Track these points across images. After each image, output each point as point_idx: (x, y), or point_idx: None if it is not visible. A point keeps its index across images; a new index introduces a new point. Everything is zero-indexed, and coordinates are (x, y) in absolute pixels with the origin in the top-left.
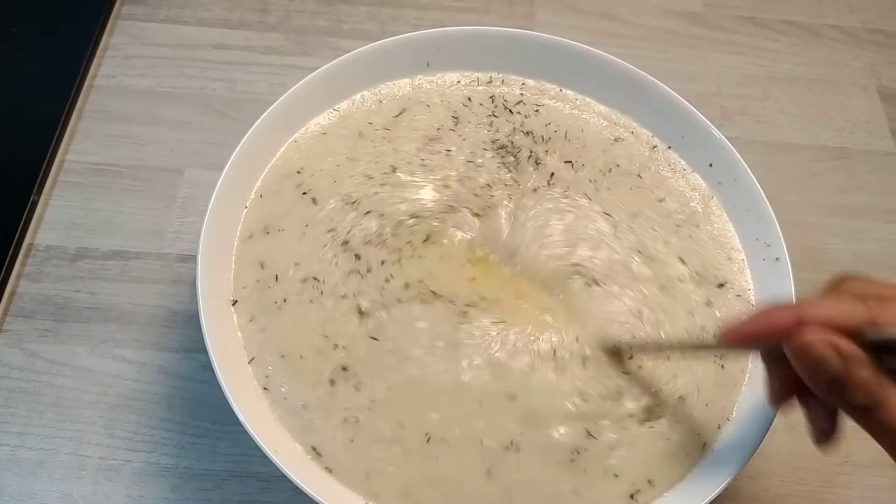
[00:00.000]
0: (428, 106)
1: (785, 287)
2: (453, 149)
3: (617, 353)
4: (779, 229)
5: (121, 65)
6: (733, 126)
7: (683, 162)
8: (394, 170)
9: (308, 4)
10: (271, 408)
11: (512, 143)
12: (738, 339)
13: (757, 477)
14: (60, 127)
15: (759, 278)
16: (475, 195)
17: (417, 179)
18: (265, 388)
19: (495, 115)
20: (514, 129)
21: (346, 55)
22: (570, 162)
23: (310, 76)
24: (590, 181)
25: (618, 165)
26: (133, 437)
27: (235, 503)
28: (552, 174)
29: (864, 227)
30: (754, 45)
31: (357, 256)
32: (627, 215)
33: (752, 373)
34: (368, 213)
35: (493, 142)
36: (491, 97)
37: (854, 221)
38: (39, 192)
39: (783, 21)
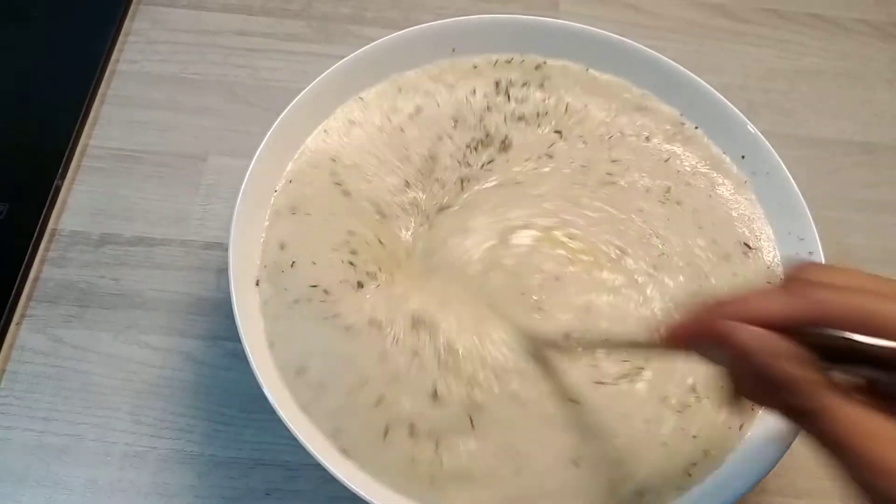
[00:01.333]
0: (438, 106)
1: None
2: (438, 170)
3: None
4: (813, 224)
5: (143, 50)
6: (759, 119)
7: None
8: (407, 185)
9: None
10: (293, 395)
11: (487, 134)
12: (675, 341)
13: (783, 472)
14: (83, 112)
15: None
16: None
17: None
18: (281, 369)
19: (489, 109)
20: (505, 118)
21: (374, 43)
22: (560, 132)
23: (340, 63)
24: (582, 142)
25: (621, 133)
26: (159, 423)
27: (262, 491)
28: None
29: (891, 223)
30: (780, 38)
31: (360, 284)
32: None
33: None
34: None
35: (467, 146)
36: (496, 82)
37: (881, 216)
38: (63, 178)
39: (809, 14)
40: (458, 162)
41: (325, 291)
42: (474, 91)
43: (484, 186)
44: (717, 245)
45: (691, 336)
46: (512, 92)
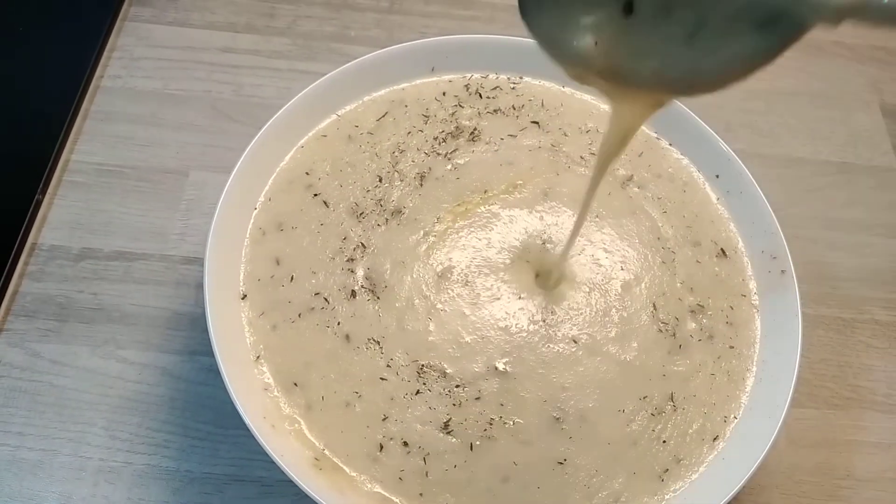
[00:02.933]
0: (406, 106)
1: (790, 299)
2: (407, 166)
3: None
4: (785, 243)
5: (127, 66)
6: (737, 139)
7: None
8: (380, 180)
9: (315, 10)
10: (276, 408)
11: (457, 127)
12: None
13: (759, 490)
14: (66, 127)
15: (764, 289)
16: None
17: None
18: (265, 389)
19: (461, 106)
20: (479, 112)
21: (354, 62)
22: (537, 122)
23: (318, 81)
24: (563, 135)
25: (599, 131)
26: (134, 438)
27: None
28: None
29: (867, 242)
30: None
31: (353, 293)
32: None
33: (757, 374)
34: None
35: (434, 138)
36: (466, 86)
37: (856, 236)
38: (44, 192)
39: None
40: (426, 153)
41: (326, 300)
42: (444, 93)
43: (444, 171)
44: (691, 230)
45: None
46: (483, 92)
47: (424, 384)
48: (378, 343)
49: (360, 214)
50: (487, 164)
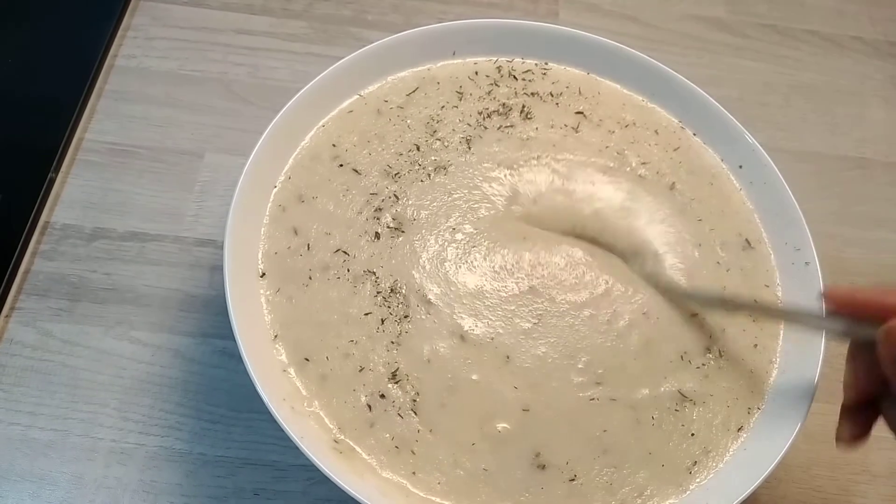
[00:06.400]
0: (438, 83)
1: (814, 290)
2: (447, 133)
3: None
4: (809, 235)
5: (142, 46)
6: (755, 133)
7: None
8: (417, 148)
9: None
10: (294, 389)
11: (504, 105)
12: (845, 302)
13: (775, 484)
14: (80, 106)
15: (787, 281)
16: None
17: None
18: (284, 371)
19: (496, 85)
20: (516, 92)
21: (375, 44)
22: (582, 112)
23: (341, 61)
24: (609, 132)
25: (634, 124)
26: (147, 420)
27: (250, 491)
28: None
29: (886, 238)
30: (777, 54)
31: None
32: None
33: (780, 366)
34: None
35: (479, 112)
36: (498, 67)
37: (875, 232)
38: (57, 170)
39: (805, 30)
40: (469, 125)
41: (345, 252)
42: (476, 73)
43: (500, 136)
44: (719, 227)
45: (861, 304)
46: (516, 74)
47: (388, 308)
48: (374, 273)
49: (396, 175)
50: (553, 141)
